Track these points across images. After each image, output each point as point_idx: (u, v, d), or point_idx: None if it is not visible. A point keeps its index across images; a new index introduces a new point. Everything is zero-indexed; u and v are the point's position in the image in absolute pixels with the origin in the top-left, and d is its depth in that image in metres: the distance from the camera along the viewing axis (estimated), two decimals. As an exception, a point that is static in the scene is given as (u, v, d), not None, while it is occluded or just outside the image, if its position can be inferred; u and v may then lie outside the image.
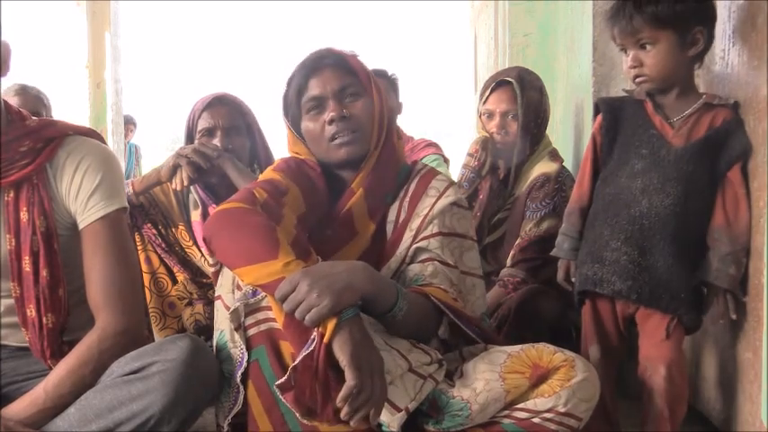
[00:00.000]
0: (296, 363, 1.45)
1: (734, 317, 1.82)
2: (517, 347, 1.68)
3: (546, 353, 1.64)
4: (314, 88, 1.81)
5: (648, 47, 1.87)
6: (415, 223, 1.82)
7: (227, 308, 1.64)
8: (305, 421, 1.50)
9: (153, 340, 2.18)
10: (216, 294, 1.73)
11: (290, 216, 1.70)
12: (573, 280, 2.06)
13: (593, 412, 1.65)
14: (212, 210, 2.50)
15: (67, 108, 4.53)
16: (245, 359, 1.60)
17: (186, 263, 2.54)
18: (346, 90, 1.81)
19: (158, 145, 7.47)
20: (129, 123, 7.17)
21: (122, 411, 1.49)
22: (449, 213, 1.84)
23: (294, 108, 1.86)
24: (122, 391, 1.50)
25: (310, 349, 1.44)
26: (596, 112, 2.05)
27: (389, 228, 1.85)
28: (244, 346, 1.61)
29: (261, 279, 1.54)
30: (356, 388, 1.42)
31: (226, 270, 1.70)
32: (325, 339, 1.43)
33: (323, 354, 1.44)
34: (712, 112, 1.87)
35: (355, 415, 1.44)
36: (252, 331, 1.61)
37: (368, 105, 1.82)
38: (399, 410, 1.58)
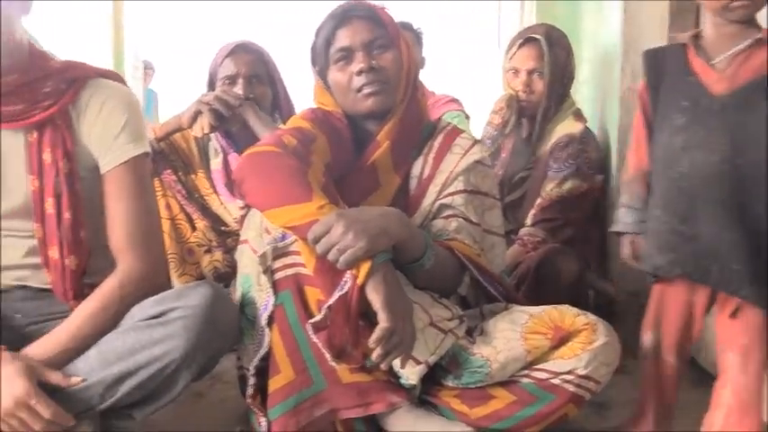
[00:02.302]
0: (330, 302, 1.47)
1: None
2: (539, 308, 1.69)
3: (568, 315, 1.64)
4: (342, 39, 1.79)
5: None
6: (439, 179, 1.81)
7: (255, 252, 1.64)
8: (334, 364, 1.52)
9: (171, 286, 2.19)
10: (242, 239, 1.73)
11: (318, 164, 1.69)
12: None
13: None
14: (233, 158, 2.50)
15: (88, 51, 4.50)
16: (272, 302, 1.61)
17: (206, 210, 2.54)
18: (375, 42, 1.79)
19: (177, 91, 7.41)
20: (147, 68, 7.13)
21: (143, 355, 1.50)
22: (473, 171, 1.83)
23: (322, 58, 1.84)
24: (144, 334, 1.51)
25: (344, 291, 1.45)
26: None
27: (413, 183, 1.84)
28: (271, 290, 1.61)
29: (294, 221, 1.54)
30: (389, 330, 1.43)
31: (253, 214, 1.70)
32: (359, 281, 1.44)
33: (356, 296, 1.45)
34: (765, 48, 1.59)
35: (386, 358, 1.46)
36: (279, 275, 1.62)
37: (396, 58, 1.80)
38: (419, 363, 1.59)
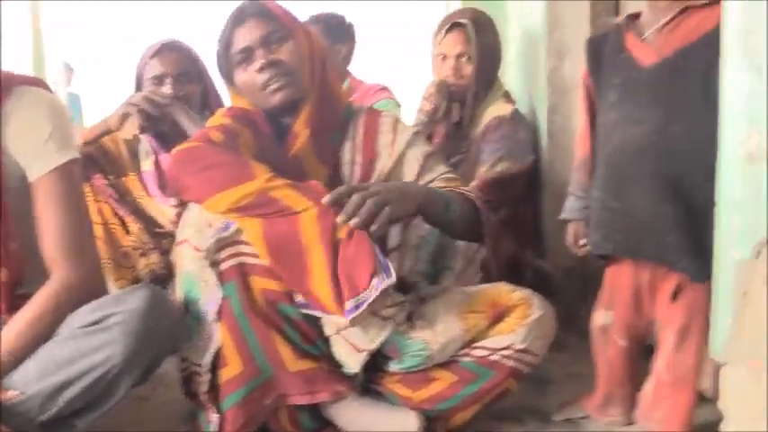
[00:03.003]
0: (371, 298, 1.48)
1: None
2: (476, 288, 1.74)
3: (504, 292, 1.69)
4: (240, 40, 1.80)
5: None
6: (384, 161, 1.85)
7: (197, 249, 1.63)
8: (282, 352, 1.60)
9: (108, 292, 2.15)
10: (179, 240, 1.72)
11: (248, 156, 1.70)
12: (582, 243, 1.86)
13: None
14: (164, 158, 2.47)
15: (6, 56, 4.37)
16: (219, 296, 1.61)
17: (139, 213, 2.49)
18: (271, 36, 1.80)
19: (101, 93, 7.28)
20: (66, 69, 6.94)
21: (83, 362, 1.48)
22: (418, 140, 1.90)
23: (226, 64, 1.85)
24: (83, 342, 1.49)
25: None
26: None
27: (348, 169, 1.85)
28: (217, 283, 1.61)
29: (243, 199, 1.56)
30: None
31: (191, 210, 1.69)
32: None
33: None
34: (697, 14, 1.56)
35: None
36: (223, 266, 1.62)
37: (295, 47, 1.81)
38: (360, 351, 1.62)
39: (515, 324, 1.66)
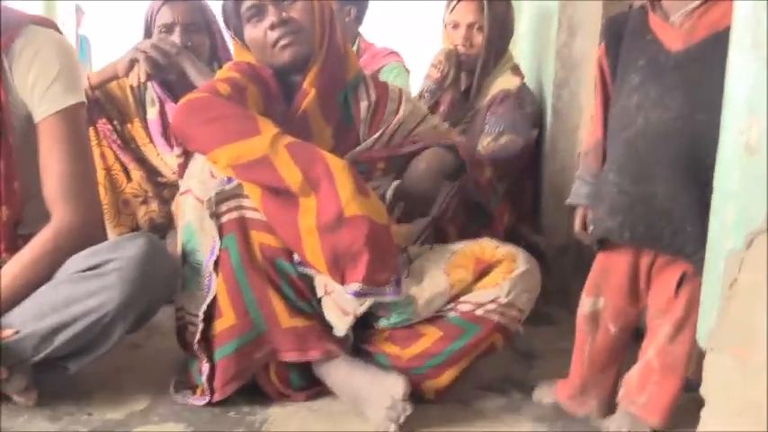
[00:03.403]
0: None
1: None
2: (461, 244, 1.77)
3: (489, 247, 1.72)
4: None
5: None
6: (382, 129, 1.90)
7: (198, 199, 1.64)
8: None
9: (107, 238, 2.17)
10: (182, 190, 1.73)
11: (254, 110, 1.71)
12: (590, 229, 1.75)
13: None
14: (170, 108, 2.47)
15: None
16: (217, 247, 1.63)
17: (142, 160, 2.51)
18: None
19: (110, 36, 7.23)
20: (78, 11, 6.89)
21: (78, 307, 1.50)
22: (416, 110, 1.99)
23: (235, 18, 1.85)
24: (79, 286, 1.51)
25: None
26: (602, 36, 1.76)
27: (364, 127, 1.91)
28: (216, 234, 1.63)
29: (244, 156, 1.57)
30: None
31: (196, 160, 1.69)
32: None
33: None
34: (725, 3, 1.47)
35: None
36: (224, 218, 1.63)
37: (307, 6, 1.81)
38: (348, 314, 1.64)
39: (500, 278, 1.68)
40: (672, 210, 1.52)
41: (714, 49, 1.45)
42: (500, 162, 2.44)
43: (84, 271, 1.53)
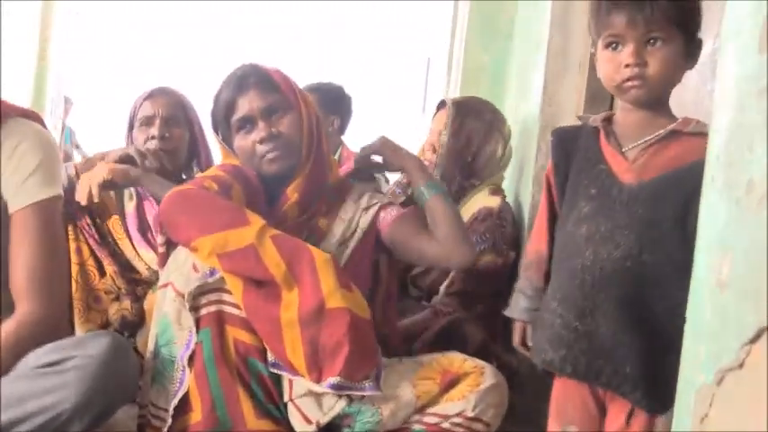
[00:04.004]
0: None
1: None
2: (429, 356, 1.76)
3: (457, 360, 1.73)
4: (242, 108, 1.85)
5: (659, 43, 1.47)
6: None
7: (179, 293, 1.64)
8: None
9: (74, 333, 2.13)
10: (162, 282, 1.72)
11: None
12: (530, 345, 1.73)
13: None
14: (148, 203, 2.47)
15: (8, 81, 4.40)
16: (193, 341, 1.62)
17: (116, 255, 2.47)
18: (273, 107, 1.86)
19: (94, 125, 7.38)
20: (67, 103, 6.97)
21: (34, 403, 1.46)
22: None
23: (224, 126, 1.91)
24: (36, 382, 1.48)
25: None
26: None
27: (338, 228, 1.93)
28: (194, 327, 1.62)
29: (231, 245, 1.58)
30: None
31: (178, 253, 1.70)
32: None
33: None
34: (683, 141, 1.49)
35: None
36: (202, 311, 1.63)
37: (296, 120, 1.87)
38: (310, 423, 1.62)
39: (467, 391, 1.68)
40: (613, 349, 1.48)
41: (667, 188, 1.46)
42: (479, 282, 2.45)
43: (42, 366, 1.49)
